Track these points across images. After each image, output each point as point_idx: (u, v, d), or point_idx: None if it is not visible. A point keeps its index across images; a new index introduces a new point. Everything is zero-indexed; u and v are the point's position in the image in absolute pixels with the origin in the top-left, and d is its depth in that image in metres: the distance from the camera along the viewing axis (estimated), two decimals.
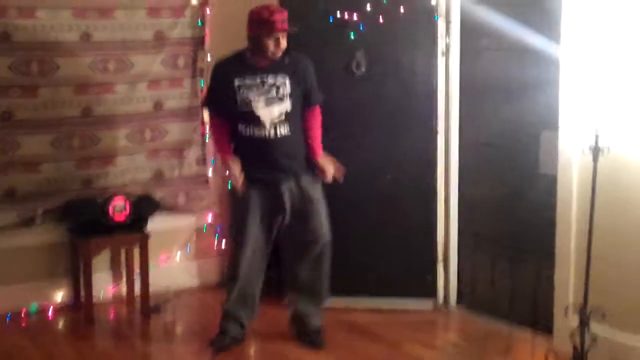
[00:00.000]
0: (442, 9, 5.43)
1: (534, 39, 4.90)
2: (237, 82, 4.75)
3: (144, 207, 5.76)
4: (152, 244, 5.72)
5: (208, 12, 6.00)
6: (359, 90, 5.51)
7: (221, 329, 5.04)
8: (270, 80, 4.76)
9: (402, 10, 5.34)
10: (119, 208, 5.56)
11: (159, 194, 6.00)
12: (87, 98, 5.67)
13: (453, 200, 5.66)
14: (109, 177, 5.84)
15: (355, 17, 5.39)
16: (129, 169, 5.92)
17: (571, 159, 4.68)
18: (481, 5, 5.30)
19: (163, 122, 6.01)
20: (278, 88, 4.77)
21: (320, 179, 4.96)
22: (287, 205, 4.89)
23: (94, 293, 5.59)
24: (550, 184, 4.86)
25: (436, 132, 5.54)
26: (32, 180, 5.57)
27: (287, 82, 4.79)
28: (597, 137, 4.24)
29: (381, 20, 5.37)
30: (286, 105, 4.79)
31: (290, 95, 4.80)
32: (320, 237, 4.99)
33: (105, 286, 5.90)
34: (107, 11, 5.66)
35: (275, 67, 4.77)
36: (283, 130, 4.80)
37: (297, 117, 4.88)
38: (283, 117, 4.79)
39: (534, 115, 5.05)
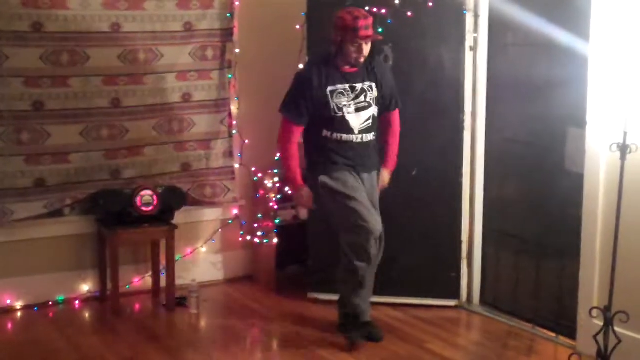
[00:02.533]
0: (470, 4, 5.40)
1: (562, 36, 4.85)
2: (329, 89, 4.77)
3: (171, 199, 5.76)
4: (178, 236, 5.72)
5: (237, 3, 5.99)
6: None
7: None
8: (358, 85, 4.81)
9: (430, 4, 5.32)
10: (146, 200, 5.59)
11: (186, 186, 6.01)
12: (116, 89, 5.70)
13: (478, 197, 5.61)
14: (137, 168, 5.87)
15: (383, 11, 5.36)
16: (157, 160, 5.95)
17: (598, 156, 4.63)
18: (510, 0, 5.25)
19: (191, 114, 6.02)
20: (366, 93, 4.82)
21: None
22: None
23: (120, 285, 5.61)
24: (576, 182, 4.80)
25: (462, 128, 5.49)
26: (61, 171, 5.61)
27: (374, 87, 4.85)
28: (625, 134, 4.21)
29: (409, 14, 5.34)
30: (373, 110, 4.86)
31: (377, 100, 4.87)
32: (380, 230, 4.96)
33: (131, 278, 5.93)
34: (137, 2, 5.68)
35: (362, 73, 4.82)
36: (368, 136, 4.88)
37: (377, 122, 4.96)
38: (370, 122, 4.86)
39: (561, 112, 5.00)
